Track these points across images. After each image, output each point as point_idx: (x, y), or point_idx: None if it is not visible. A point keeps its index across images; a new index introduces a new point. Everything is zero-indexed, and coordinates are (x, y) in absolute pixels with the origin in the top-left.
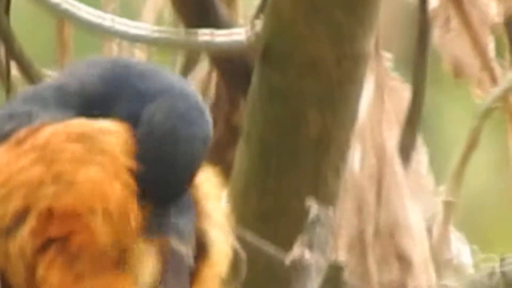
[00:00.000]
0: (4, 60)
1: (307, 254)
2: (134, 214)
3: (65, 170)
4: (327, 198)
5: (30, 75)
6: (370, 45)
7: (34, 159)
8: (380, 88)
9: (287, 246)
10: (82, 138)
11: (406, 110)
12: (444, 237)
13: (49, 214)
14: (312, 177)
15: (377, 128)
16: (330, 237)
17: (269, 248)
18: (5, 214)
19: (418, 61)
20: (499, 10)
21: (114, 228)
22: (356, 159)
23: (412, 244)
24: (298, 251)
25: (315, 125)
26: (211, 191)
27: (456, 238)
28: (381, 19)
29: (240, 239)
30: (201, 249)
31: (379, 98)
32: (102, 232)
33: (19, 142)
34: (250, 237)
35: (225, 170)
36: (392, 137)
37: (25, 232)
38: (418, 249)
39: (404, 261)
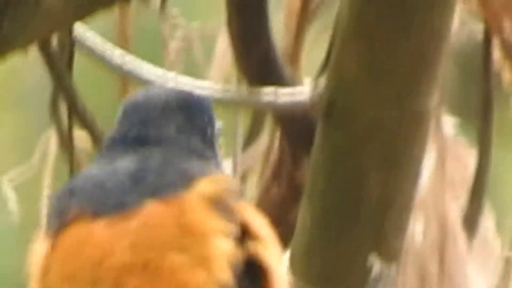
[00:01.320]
0: (66, 117)
1: None
2: None
3: (154, 258)
4: (389, 257)
5: (93, 132)
6: (432, 104)
7: (129, 242)
8: (442, 156)
9: None
10: (181, 228)
11: (472, 176)
12: None
13: None
14: (374, 237)
15: (439, 196)
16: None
17: None
18: None
19: (484, 126)
20: None
21: None
22: (419, 228)
23: None
24: None
25: (377, 185)
26: (275, 257)
27: None
28: (444, 79)
29: None
30: None
31: (441, 166)
32: None
33: (121, 219)
34: None
35: (288, 228)
36: (455, 206)
37: None
38: None
39: None
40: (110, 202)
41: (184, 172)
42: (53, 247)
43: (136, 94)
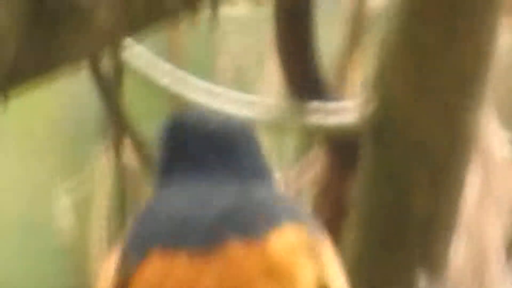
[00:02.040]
0: (116, 140)
1: None
2: None
3: None
4: (435, 272)
5: (144, 155)
6: (479, 121)
7: (213, 281)
8: (489, 176)
9: None
10: (268, 271)
11: None
12: None
13: None
14: (420, 252)
15: (484, 217)
16: None
17: None
18: None
19: None
20: None
21: None
22: (460, 251)
23: None
24: None
25: (424, 203)
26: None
27: None
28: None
29: None
30: None
31: (488, 186)
32: None
33: (204, 255)
34: None
35: (335, 246)
36: (499, 226)
37: None
38: None
39: None
40: (194, 239)
41: (270, 210)
42: (133, 281)
43: (186, 114)
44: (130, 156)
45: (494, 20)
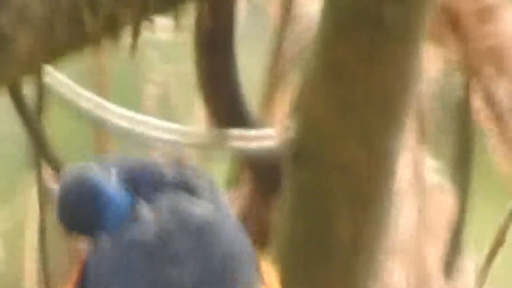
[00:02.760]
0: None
1: None
2: None
3: None
4: None
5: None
6: (400, 143)
7: None
8: (423, 201)
9: None
10: None
11: (451, 220)
12: None
13: None
14: (344, 277)
15: (419, 243)
16: None
17: None
18: None
19: (463, 172)
20: None
21: None
22: (398, 275)
23: None
24: None
25: (345, 224)
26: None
27: None
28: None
29: None
30: None
31: (422, 212)
32: None
33: None
34: None
35: None
36: (435, 251)
37: None
38: None
39: None
40: None
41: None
42: None
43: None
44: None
45: (416, 46)
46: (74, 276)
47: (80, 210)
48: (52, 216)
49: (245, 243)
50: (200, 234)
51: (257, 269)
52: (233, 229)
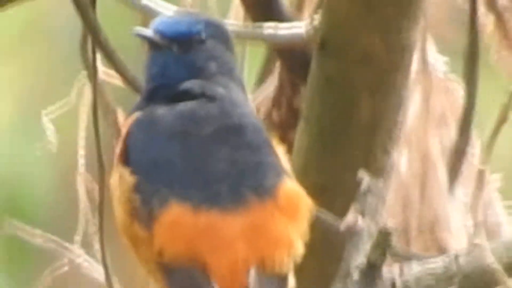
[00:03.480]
0: (91, 50)
1: (360, 221)
2: None
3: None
4: (377, 173)
5: (114, 63)
6: (415, 37)
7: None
8: (428, 91)
9: (342, 214)
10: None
11: (460, 109)
12: (477, 203)
13: None
14: (363, 154)
15: (423, 130)
16: (380, 206)
17: (326, 216)
18: None
19: (470, 62)
20: None
21: None
22: (403, 161)
23: (451, 238)
24: (351, 218)
25: (366, 109)
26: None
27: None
28: (432, 16)
29: None
30: None
31: (427, 101)
32: None
33: (228, 211)
34: None
35: (287, 148)
36: (439, 139)
37: None
38: (457, 243)
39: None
40: (219, 194)
41: (274, 166)
42: (158, 227)
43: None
44: (108, 73)
45: None
46: (120, 145)
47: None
48: (102, 107)
49: (266, 137)
50: (234, 124)
51: (278, 162)
52: (257, 123)
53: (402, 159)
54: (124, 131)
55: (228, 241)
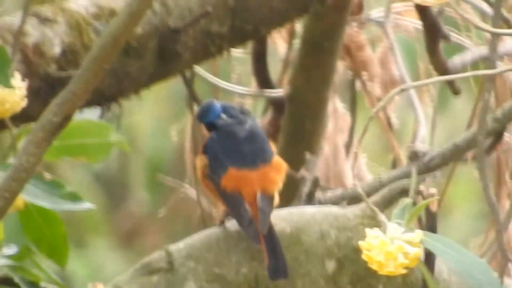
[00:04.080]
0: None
1: (307, 173)
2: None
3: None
4: (314, 153)
5: None
6: (328, 94)
7: (258, 176)
8: (336, 119)
9: (298, 170)
10: (278, 171)
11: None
12: (355, 164)
13: None
14: (308, 146)
15: (333, 134)
16: (315, 167)
17: (291, 172)
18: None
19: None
20: None
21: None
22: (325, 147)
23: (347, 181)
24: (303, 172)
25: (309, 126)
26: None
27: None
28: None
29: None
30: None
31: (335, 123)
32: None
33: (252, 170)
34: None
35: (275, 144)
36: (340, 138)
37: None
38: (349, 183)
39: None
40: (247, 163)
41: (270, 150)
42: (223, 179)
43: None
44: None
45: None
46: (201, 149)
47: (204, 112)
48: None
49: (266, 138)
50: (252, 132)
51: (271, 149)
52: (262, 132)
53: (325, 147)
54: (204, 140)
55: (250, 182)
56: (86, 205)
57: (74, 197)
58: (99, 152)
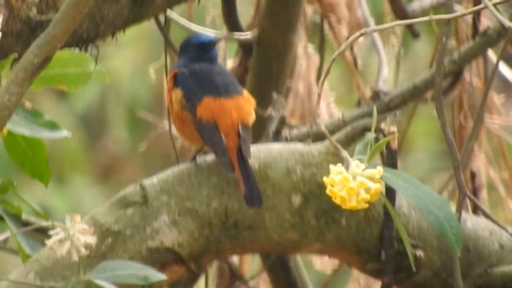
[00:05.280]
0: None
1: (273, 112)
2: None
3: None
4: (280, 93)
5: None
6: (297, 38)
7: (233, 105)
8: (308, 60)
9: (266, 108)
10: (249, 103)
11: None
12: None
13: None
14: (274, 86)
15: (307, 76)
16: (281, 106)
17: (258, 108)
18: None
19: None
20: None
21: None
22: (299, 87)
23: (319, 119)
24: (270, 110)
25: (275, 67)
26: None
27: None
28: None
29: None
30: None
31: (307, 63)
32: None
33: (227, 99)
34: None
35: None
36: (313, 79)
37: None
38: (322, 121)
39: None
40: (222, 93)
41: (239, 85)
42: (198, 109)
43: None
44: None
45: None
46: (171, 84)
47: (196, 36)
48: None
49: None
50: (221, 67)
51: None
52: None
53: (299, 86)
54: (171, 74)
55: (227, 111)
56: (63, 133)
57: (52, 126)
58: (78, 81)
